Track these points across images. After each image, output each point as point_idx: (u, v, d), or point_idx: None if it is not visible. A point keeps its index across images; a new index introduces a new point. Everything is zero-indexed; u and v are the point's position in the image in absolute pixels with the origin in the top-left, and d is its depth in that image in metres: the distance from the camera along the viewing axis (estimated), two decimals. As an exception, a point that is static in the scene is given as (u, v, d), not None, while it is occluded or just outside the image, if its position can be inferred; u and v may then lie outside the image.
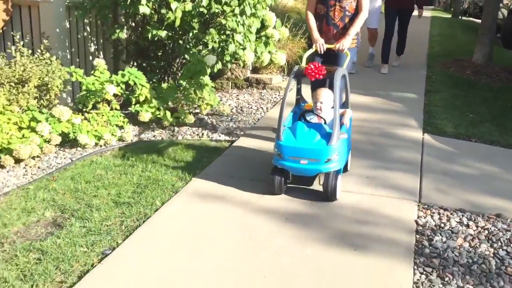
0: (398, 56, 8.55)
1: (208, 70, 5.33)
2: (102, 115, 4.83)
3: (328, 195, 3.56)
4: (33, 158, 4.27)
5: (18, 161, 4.16)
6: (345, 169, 3.98)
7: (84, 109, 4.96)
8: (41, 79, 4.72)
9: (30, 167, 4.15)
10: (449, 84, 7.47)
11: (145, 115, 5.04)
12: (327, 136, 3.54)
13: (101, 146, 4.65)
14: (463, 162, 4.49)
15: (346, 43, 4.18)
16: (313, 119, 3.87)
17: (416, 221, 3.38)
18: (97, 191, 3.70)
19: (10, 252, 2.92)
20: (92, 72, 5.05)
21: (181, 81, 5.41)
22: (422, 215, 3.48)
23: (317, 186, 3.76)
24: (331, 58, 4.28)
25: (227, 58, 5.43)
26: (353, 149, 4.34)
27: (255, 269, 2.80)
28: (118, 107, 5.05)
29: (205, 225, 3.26)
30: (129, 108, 5.30)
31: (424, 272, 2.83)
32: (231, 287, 2.64)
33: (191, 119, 5.29)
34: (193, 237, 3.12)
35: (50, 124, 4.46)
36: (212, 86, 5.60)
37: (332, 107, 3.74)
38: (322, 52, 4.23)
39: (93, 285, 2.64)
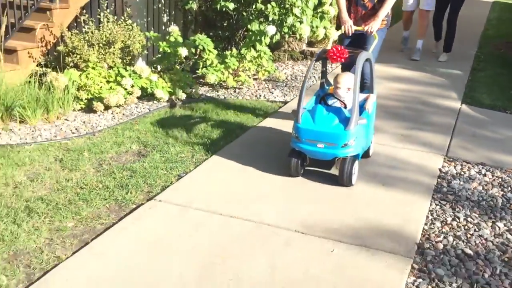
0: (444, 53, 7.63)
1: (268, 40, 5.99)
2: (175, 75, 5.59)
3: (343, 180, 3.54)
4: (118, 106, 5.09)
5: (106, 108, 4.99)
6: (367, 154, 3.99)
7: (159, 70, 5.74)
8: (123, 42, 5.53)
9: (117, 113, 4.98)
10: (497, 64, 7.77)
11: (211, 77, 5.77)
12: (345, 121, 3.51)
13: (173, 100, 5.42)
14: (492, 128, 4.96)
15: (375, 26, 4.11)
16: (336, 103, 3.81)
17: (439, 169, 3.95)
18: (172, 133, 4.48)
19: (108, 170, 3.74)
20: (167, 37, 5.81)
21: (243, 49, 6.09)
22: (446, 165, 4.04)
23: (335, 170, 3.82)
24: (359, 40, 4.29)
25: (285, 29, 6.07)
26: (392, 113, 4.88)
27: (296, 197, 3.48)
28: (188, 69, 5.80)
29: (258, 162, 3.94)
30: (197, 71, 6.05)
31: (439, 204, 3.43)
32: (276, 207, 3.33)
33: (250, 82, 5.99)
34: (248, 171, 3.83)
35: (132, 79, 5.27)
36: (270, 55, 6.26)
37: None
38: (350, 34, 4.21)
39: (172, 194, 3.41)
